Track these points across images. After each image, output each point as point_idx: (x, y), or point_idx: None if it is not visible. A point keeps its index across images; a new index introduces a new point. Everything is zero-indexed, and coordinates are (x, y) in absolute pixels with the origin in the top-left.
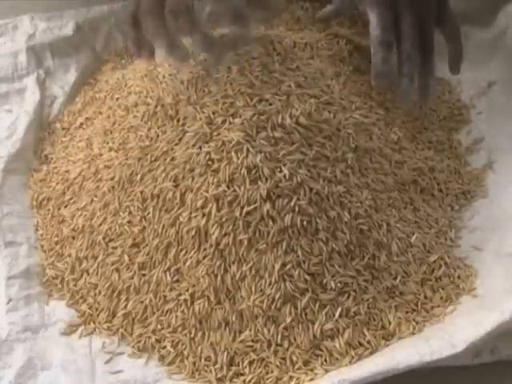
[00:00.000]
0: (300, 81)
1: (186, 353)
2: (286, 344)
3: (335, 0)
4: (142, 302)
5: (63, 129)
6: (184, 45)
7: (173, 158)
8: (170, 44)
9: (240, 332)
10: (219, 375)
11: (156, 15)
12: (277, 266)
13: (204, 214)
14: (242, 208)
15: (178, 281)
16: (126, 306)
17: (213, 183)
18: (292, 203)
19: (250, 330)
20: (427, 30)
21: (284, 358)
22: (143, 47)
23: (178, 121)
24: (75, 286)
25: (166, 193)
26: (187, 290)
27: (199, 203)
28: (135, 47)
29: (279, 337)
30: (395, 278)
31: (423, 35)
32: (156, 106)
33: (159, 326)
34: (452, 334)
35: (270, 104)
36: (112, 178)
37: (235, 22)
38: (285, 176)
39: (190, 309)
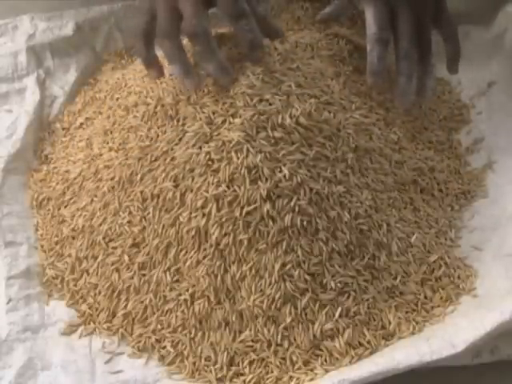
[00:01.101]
0: (300, 81)
1: (186, 353)
2: (286, 344)
3: (334, 2)
4: (142, 301)
5: (63, 129)
6: (198, 71)
7: (173, 158)
8: (185, 71)
9: (240, 332)
10: (219, 375)
11: (172, 39)
12: (277, 266)
13: (204, 214)
14: (242, 208)
15: (178, 281)
16: (126, 306)
17: (213, 183)
18: (292, 203)
19: (250, 330)
20: (424, 27)
21: (284, 358)
22: (154, 65)
23: (178, 121)
24: (75, 286)
25: (166, 193)
26: (187, 290)
27: (199, 203)
28: (145, 65)
29: (279, 337)
30: (395, 278)
31: (420, 33)
32: (156, 106)
33: (159, 326)
34: (452, 334)
35: (270, 104)
36: (112, 178)
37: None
38: (285, 176)
39: (189, 309)
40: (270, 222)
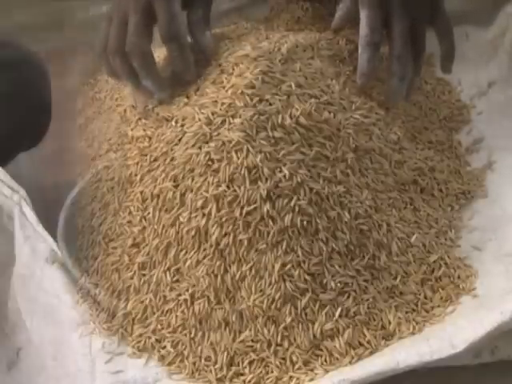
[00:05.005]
0: (300, 81)
1: (186, 353)
2: (286, 344)
3: (340, 6)
4: (142, 302)
5: None
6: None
7: (172, 159)
8: (134, 83)
9: (240, 332)
10: (219, 375)
11: (121, 55)
12: (277, 266)
13: (204, 214)
14: (242, 208)
15: (178, 281)
16: (125, 306)
17: (213, 183)
18: (292, 203)
19: (250, 330)
20: (419, 30)
21: (284, 358)
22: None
23: (177, 122)
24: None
25: (166, 193)
26: (187, 290)
27: (199, 203)
28: (114, 78)
29: (279, 337)
30: (395, 278)
31: (415, 35)
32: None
33: (159, 326)
34: (452, 333)
35: (270, 104)
36: (112, 179)
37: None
38: (285, 176)
39: (189, 309)
40: (270, 222)
